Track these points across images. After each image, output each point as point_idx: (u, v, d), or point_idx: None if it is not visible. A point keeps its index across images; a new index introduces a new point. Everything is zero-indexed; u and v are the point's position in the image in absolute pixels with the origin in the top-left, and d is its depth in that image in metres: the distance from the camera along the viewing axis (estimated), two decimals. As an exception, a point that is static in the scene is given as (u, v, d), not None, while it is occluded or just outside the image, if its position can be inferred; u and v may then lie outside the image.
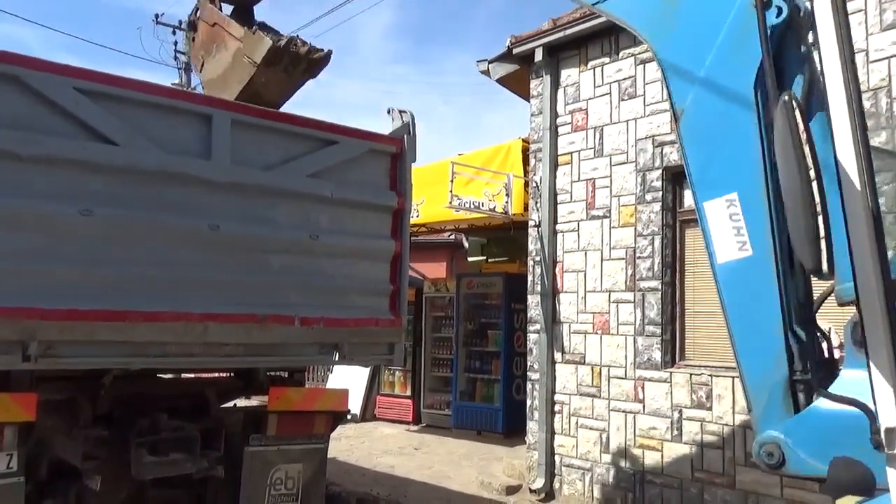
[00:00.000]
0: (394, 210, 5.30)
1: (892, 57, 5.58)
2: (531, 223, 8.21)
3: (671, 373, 6.82)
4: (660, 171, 7.06)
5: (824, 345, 2.89)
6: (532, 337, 8.07)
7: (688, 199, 6.73)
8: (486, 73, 8.82)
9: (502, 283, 11.15)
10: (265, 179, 4.68)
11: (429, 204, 10.09)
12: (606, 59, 7.61)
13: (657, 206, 7.04)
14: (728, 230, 2.82)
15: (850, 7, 2.49)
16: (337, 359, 5.04)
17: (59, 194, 3.92)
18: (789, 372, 2.71)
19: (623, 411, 7.16)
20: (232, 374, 5.62)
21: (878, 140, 5.42)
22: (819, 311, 2.91)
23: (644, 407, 6.98)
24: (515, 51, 8.29)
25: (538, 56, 8.07)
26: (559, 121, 8.03)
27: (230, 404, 5.57)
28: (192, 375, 5.76)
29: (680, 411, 6.70)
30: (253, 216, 4.63)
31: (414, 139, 5.41)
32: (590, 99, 7.75)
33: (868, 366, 2.33)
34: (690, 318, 6.97)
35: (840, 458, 2.38)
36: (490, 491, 7.95)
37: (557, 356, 7.80)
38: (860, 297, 2.34)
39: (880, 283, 2.27)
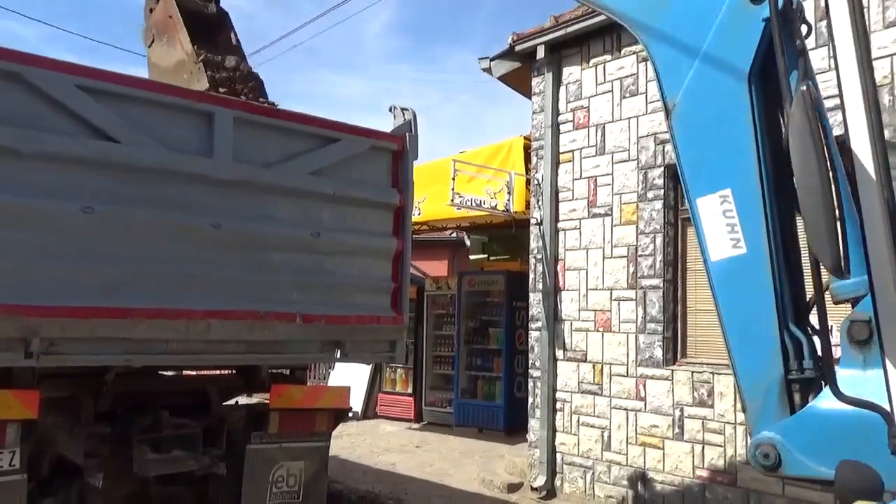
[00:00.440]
0: (395, 208, 5.29)
1: (895, 54, 5.57)
2: (533, 221, 8.20)
3: (673, 370, 6.81)
4: (661, 168, 7.05)
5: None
6: (533, 335, 8.07)
7: (690, 197, 6.72)
8: (488, 70, 8.81)
9: (504, 281, 11.14)
10: (267, 177, 4.67)
11: (430, 202, 10.09)
12: (608, 57, 7.60)
13: (659, 204, 7.04)
14: (721, 227, 2.78)
15: (844, 4, 2.46)
16: (338, 356, 5.04)
17: (60, 192, 3.92)
18: (785, 371, 2.68)
19: (624, 409, 7.16)
20: (234, 372, 5.62)
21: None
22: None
23: (645, 405, 6.98)
24: (517, 48, 8.28)
25: (540, 53, 8.06)
26: (561, 118, 8.02)
27: (232, 402, 5.58)
28: (194, 373, 5.76)
29: (681, 409, 6.69)
30: (254, 214, 4.63)
31: (416, 137, 5.41)
32: (591, 96, 7.74)
33: (884, 366, 2.29)
34: (692, 316, 6.96)
35: (847, 462, 2.33)
36: (491, 489, 7.95)
37: (559, 354, 7.79)
38: (875, 293, 2.30)
39: None
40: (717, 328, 2.90)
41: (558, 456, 7.72)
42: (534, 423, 7.94)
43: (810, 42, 3.00)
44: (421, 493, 7.79)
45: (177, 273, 4.32)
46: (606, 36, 7.58)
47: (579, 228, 7.73)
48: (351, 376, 11.71)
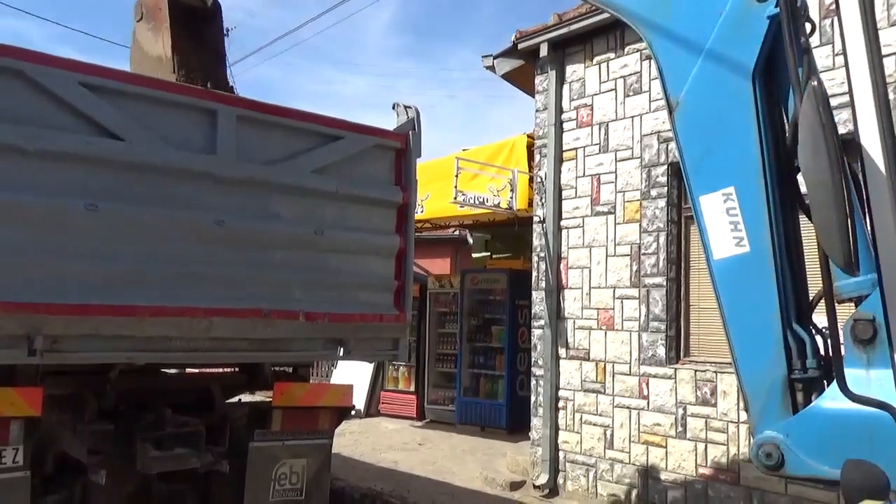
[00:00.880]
0: (398, 206, 5.29)
1: (899, 53, 5.55)
2: (536, 219, 8.20)
3: (676, 369, 6.81)
4: (665, 166, 7.04)
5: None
6: (536, 333, 8.06)
7: (693, 196, 6.71)
8: (491, 68, 8.80)
9: (506, 279, 11.13)
10: (270, 175, 4.67)
11: (433, 199, 10.09)
12: (612, 55, 7.59)
13: (662, 202, 7.03)
14: (724, 225, 2.77)
15: (855, 1, 2.45)
16: (341, 354, 5.04)
17: (64, 189, 3.93)
18: (788, 371, 2.67)
19: (627, 407, 7.15)
20: (237, 370, 5.63)
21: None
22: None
23: (648, 403, 6.97)
24: (520, 46, 8.26)
25: (543, 51, 8.04)
26: (564, 116, 8.01)
27: (235, 399, 5.58)
28: (197, 370, 5.77)
29: (684, 408, 6.69)
30: (258, 211, 4.63)
31: (419, 134, 5.40)
32: (595, 94, 7.73)
33: (893, 363, 2.28)
34: (695, 315, 6.96)
35: (853, 461, 2.32)
36: (494, 487, 7.95)
37: (562, 352, 7.79)
38: (885, 290, 2.28)
39: None
40: (720, 327, 2.89)
41: (561, 454, 7.72)
42: (536, 422, 7.94)
43: (812, 40, 2.99)
44: (423, 490, 7.79)
45: (180, 271, 4.32)
46: (610, 34, 7.57)
47: (582, 226, 7.72)
48: (353, 374, 11.72)
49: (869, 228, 2.51)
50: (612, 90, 7.57)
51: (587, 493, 7.41)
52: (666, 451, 6.81)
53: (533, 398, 8.03)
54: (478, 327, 11.50)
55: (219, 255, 4.47)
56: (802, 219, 2.91)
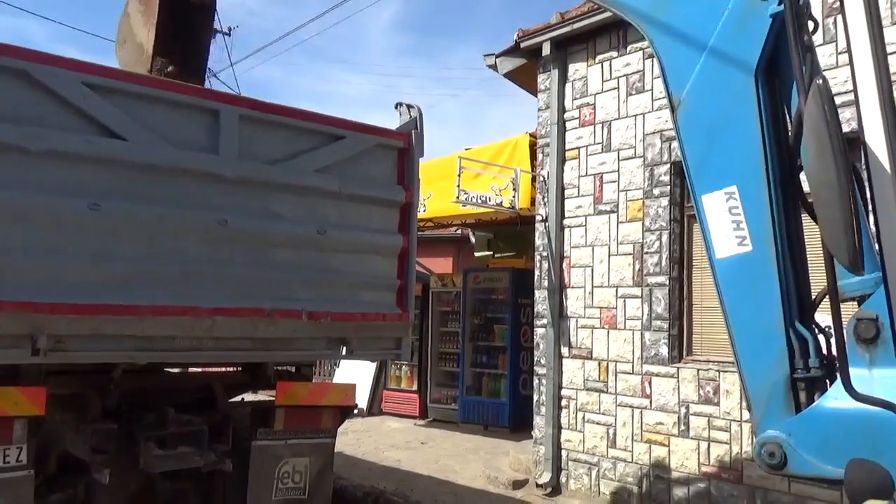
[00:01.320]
0: (401, 205, 5.29)
1: (902, 51, 5.54)
2: (538, 218, 8.19)
3: (678, 368, 6.80)
4: (668, 165, 7.03)
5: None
6: (539, 332, 8.06)
7: (696, 194, 6.71)
8: (494, 67, 8.80)
9: (509, 278, 11.14)
10: (273, 174, 4.67)
11: (436, 199, 10.09)
12: (614, 54, 7.58)
13: (665, 201, 7.02)
14: (727, 224, 2.77)
15: (859, 0, 2.44)
16: (344, 353, 5.04)
17: (67, 189, 3.93)
18: (790, 370, 2.67)
19: (630, 406, 7.15)
20: (239, 369, 5.63)
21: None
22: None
23: (651, 402, 6.97)
24: (523, 45, 8.26)
25: (546, 50, 8.04)
26: (567, 115, 8.01)
27: (237, 399, 5.59)
28: (200, 370, 5.78)
29: (687, 406, 6.69)
30: (260, 211, 4.63)
31: (421, 134, 5.40)
32: (597, 93, 7.73)
33: None
34: (698, 314, 6.95)
35: (857, 461, 2.32)
36: (497, 485, 7.96)
37: (564, 351, 7.79)
38: (889, 288, 2.28)
39: None
40: (722, 325, 2.89)
41: (563, 453, 7.72)
42: (539, 420, 7.94)
43: (815, 39, 2.98)
44: (426, 489, 7.80)
45: (183, 270, 4.32)
46: (612, 32, 7.56)
47: (585, 225, 7.72)
48: (356, 373, 11.73)
49: (873, 227, 2.51)
50: (614, 89, 7.56)
51: (590, 491, 7.41)
52: (669, 450, 6.81)
53: (536, 397, 8.04)
54: (480, 326, 11.50)
55: (221, 254, 4.47)
56: (805, 217, 2.90)
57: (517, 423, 10.42)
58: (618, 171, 7.46)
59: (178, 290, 4.28)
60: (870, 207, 2.56)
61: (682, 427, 6.70)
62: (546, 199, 8.09)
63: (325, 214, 4.93)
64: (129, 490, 4.89)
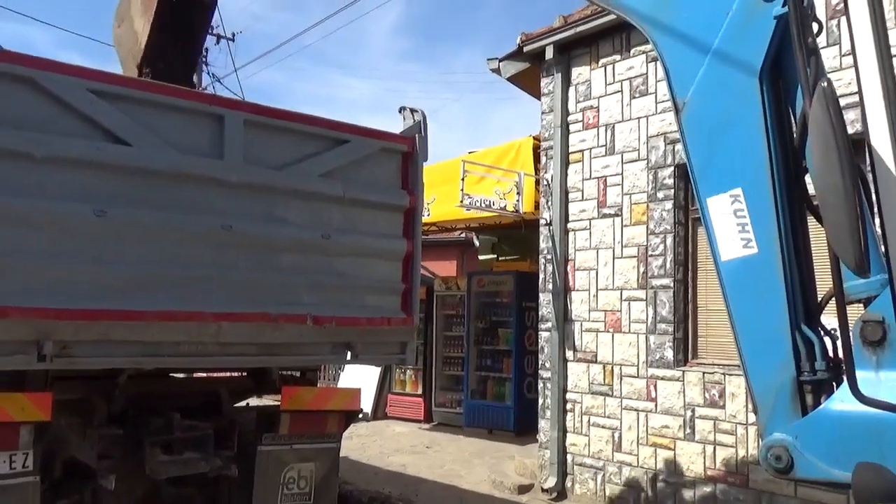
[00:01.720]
0: (405, 209, 5.29)
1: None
2: (542, 221, 8.19)
3: (684, 371, 6.79)
4: (672, 168, 7.03)
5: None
6: (543, 335, 8.06)
7: (700, 197, 6.71)
8: (497, 71, 8.81)
9: (513, 282, 11.13)
10: (277, 179, 4.68)
11: (439, 202, 10.09)
12: (618, 57, 7.59)
13: (669, 204, 7.02)
14: (732, 227, 2.76)
15: (864, 1, 2.44)
16: (349, 358, 5.04)
17: (73, 195, 3.94)
18: (797, 373, 2.66)
19: (635, 410, 7.14)
20: (244, 374, 5.63)
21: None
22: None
23: (656, 405, 6.96)
24: (526, 49, 8.27)
25: (549, 54, 8.05)
26: (570, 118, 8.01)
27: (243, 404, 5.59)
28: (205, 375, 5.78)
29: (692, 410, 6.67)
30: (265, 216, 4.64)
31: (425, 138, 5.40)
32: (601, 96, 7.73)
33: None
34: (703, 316, 6.94)
35: (865, 464, 2.31)
36: (502, 490, 7.94)
37: (569, 354, 7.78)
38: (895, 290, 2.27)
39: None
40: (728, 328, 2.88)
41: (569, 457, 7.71)
42: (544, 424, 7.93)
43: (819, 41, 2.98)
44: (432, 494, 7.79)
45: (188, 275, 4.33)
46: (615, 36, 7.57)
47: (589, 229, 7.72)
48: (361, 377, 11.73)
49: (878, 229, 2.51)
50: (617, 92, 7.56)
51: (595, 496, 7.40)
52: (674, 454, 6.80)
53: (540, 401, 8.03)
54: (485, 330, 11.50)
55: (226, 259, 4.47)
56: (810, 219, 2.90)
57: (522, 427, 10.40)
58: (621, 174, 7.46)
59: (184, 295, 4.28)
60: (875, 209, 2.56)
61: (688, 430, 6.69)
62: (550, 203, 8.09)
63: (330, 219, 4.93)
64: (135, 495, 4.89)
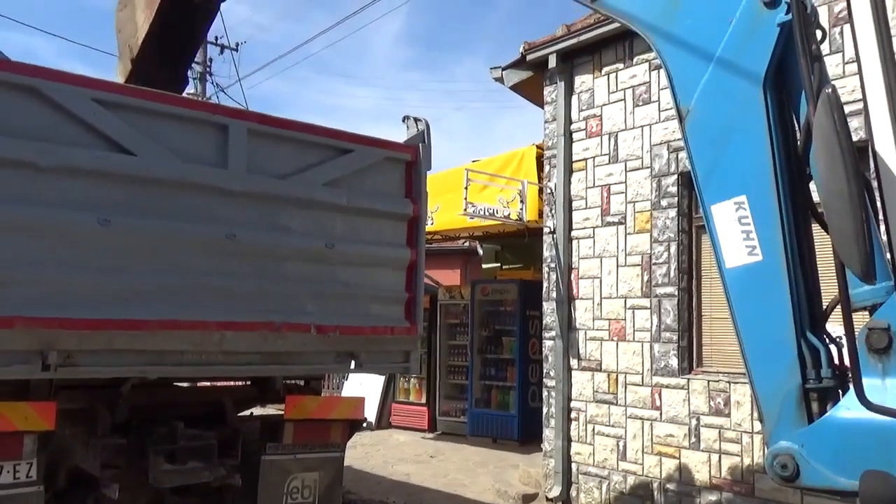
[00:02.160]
0: (409, 218, 5.29)
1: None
2: (546, 230, 8.19)
3: (688, 379, 6.77)
4: (675, 176, 7.03)
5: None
6: (547, 344, 8.04)
7: (704, 205, 6.70)
8: (500, 79, 8.83)
9: (517, 290, 11.12)
10: (281, 188, 4.68)
11: (443, 211, 10.10)
12: (620, 65, 7.60)
13: (673, 212, 7.01)
14: (737, 234, 2.76)
15: (868, 7, 2.44)
16: (353, 367, 5.03)
17: (77, 204, 3.94)
18: (802, 380, 2.64)
19: (640, 418, 7.11)
20: (248, 383, 5.63)
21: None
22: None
23: (661, 414, 6.93)
24: (529, 57, 8.29)
25: (552, 62, 8.07)
26: (573, 127, 8.02)
27: (247, 413, 5.58)
28: (209, 384, 5.77)
29: (697, 418, 6.64)
30: (269, 225, 4.64)
31: (429, 147, 5.41)
32: (604, 105, 7.74)
33: None
34: (707, 325, 6.92)
35: (872, 472, 2.29)
36: (506, 499, 7.92)
37: (573, 363, 7.76)
38: None
39: None
40: (733, 336, 2.87)
41: (573, 466, 7.68)
42: (548, 433, 7.90)
43: (822, 48, 2.98)
44: (436, 503, 7.77)
45: (192, 284, 4.33)
46: (618, 44, 7.58)
47: (593, 237, 7.71)
48: (364, 386, 11.73)
49: (884, 236, 2.50)
50: (620, 100, 7.57)
51: (600, 505, 7.36)
52: (679, 463, 6.76)
53: (545, 409, 8.00)
54: (489, 339, 11.48)
55: (230, 268, 4.47)
56: (815, 227, 2.89)
57: (526, 436, 10.38)
58: (625, 182, 7.46)
59: (187, 304, 4.28)
60: (881, 216, 2.55)
61: (693, 439, 6.66)
62: (553, 211, 8.09)
63: (334, 228, 4.93)
64: (139, 505, 4.88)
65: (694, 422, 6.67)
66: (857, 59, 2.43)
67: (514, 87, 8.90)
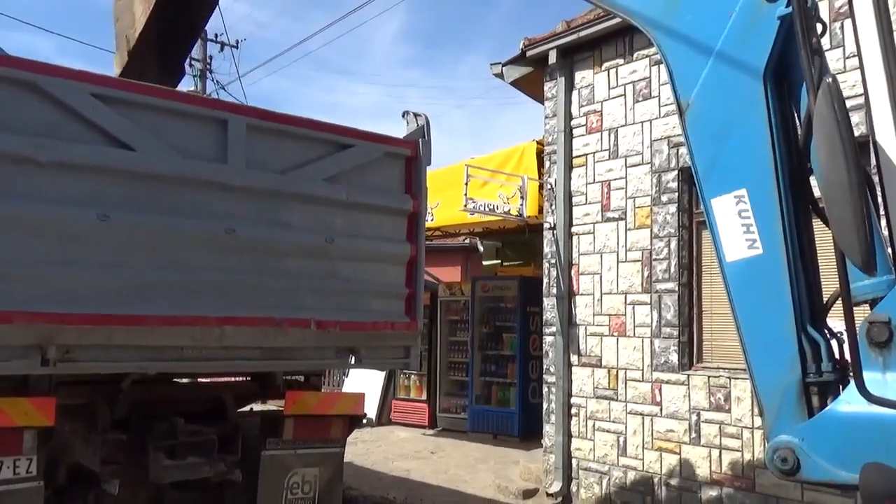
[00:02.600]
0: (409, 214, 5.28)
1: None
2: (546, 225, 8.19)
3: (689, 375, 6.77)
4: (675, 172, 7.02)
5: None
6: (548, 340, 8.04)
7: (704, 200, 6.69)
8: (500, 75, 8.82)
9: (517, 286, 11.12)
10: (281, 183, 4.68)
11: (443, 207, 10.09)
12: (620, 61, 7.58)
13: (673, 208, 7.00)
14: (737, 228, 2.75)
15: (869, 1, 2.43)
16: (353, 362, 5.02)
17: (77, 200, 3.94)
18: (803, 374, 2.64)
19: (640, 414, 7.11)
20: (248, 378, 5.63)
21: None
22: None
23: (661, 409, 6.93)
24: (529, 53, 8.28)
25: (552, 58, 8.06)
26: (573, 122, 8.01)
27: (247, 408, 5.58)
28: (209, 379, 5.77)
29: (698, 414, 6.65)
30: (269, 220, 4.63)
31: (429, 142, 5.40)
32: (604, 100, 7.73)
33: None
34: (708, 320, 6.92)
35: (873, 465, 2.29)
36: (507, 495, 7.92)
37: (573, 359, 7.76)
38: None
39: None
40: (733, 332, 2.87)
41: (574, 461, 7.68)
42: (549, 429, 7.91)
43: (823, 42, 2.97)
44: (436, 499, 7.77)
45: (192, 280, 4.32)
46: (618, 40, 7.56)
47: (593, 232, 7.70)
48: (365, 382, 11.72)
49: (885, 229, 2.49)
50: (621, 96, 7.56)
51: (600, 500, 7.37)
52: (680, 458, 6.77)
53: (545, 405, 8.01)
54: (489, 335, 11.48)
55: (230, 263, 4.46)
56: (816, 220, 2.89)
57: (527, 432, 10.39)
58: (625, 177, 7.45)
59: (187, 299, 4.27)
60: (881, 210, 2.55)
61: (693, 434, 6.66)
62: (554, 207, 8.08)
63: (334, 223, 4.92)
64: (139, 500, 4.88)
65: (694, 417, 6.67)
66: (858, 53, 2.42)
67: (515, 83, 8.89)
